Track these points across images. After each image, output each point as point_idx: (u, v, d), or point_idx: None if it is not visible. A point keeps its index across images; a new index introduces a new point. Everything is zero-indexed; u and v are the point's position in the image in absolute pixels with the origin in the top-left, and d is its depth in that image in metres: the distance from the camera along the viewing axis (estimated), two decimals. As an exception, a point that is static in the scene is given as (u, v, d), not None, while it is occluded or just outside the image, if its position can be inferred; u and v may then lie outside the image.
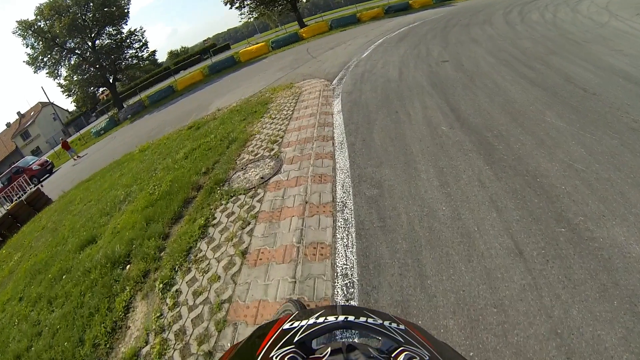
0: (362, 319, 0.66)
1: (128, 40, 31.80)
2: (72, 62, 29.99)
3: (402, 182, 3.76)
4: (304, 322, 0.67)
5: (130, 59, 31.93)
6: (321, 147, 5.07)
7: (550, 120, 4.20)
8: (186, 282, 3.31)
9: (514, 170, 3.47)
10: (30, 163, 21.61)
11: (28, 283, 5.05)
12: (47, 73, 29.40)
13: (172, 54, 73.53)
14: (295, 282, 2.76)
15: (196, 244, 3.87)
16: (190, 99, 18.72)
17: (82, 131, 33.02)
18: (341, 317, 0.66)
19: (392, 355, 0.53)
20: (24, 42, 28.42)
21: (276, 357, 0.53)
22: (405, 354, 0.52)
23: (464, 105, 5.40)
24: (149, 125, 16.73)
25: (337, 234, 3.20)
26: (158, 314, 3.04)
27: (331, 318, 0.66)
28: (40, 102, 46.67)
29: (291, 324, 0.68)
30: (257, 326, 1.38)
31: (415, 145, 4.47)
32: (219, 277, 3.18)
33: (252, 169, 5.13)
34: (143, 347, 2.79)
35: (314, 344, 0.61)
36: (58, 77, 29.58)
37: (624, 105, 4.13)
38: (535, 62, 7.09)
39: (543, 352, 1.88)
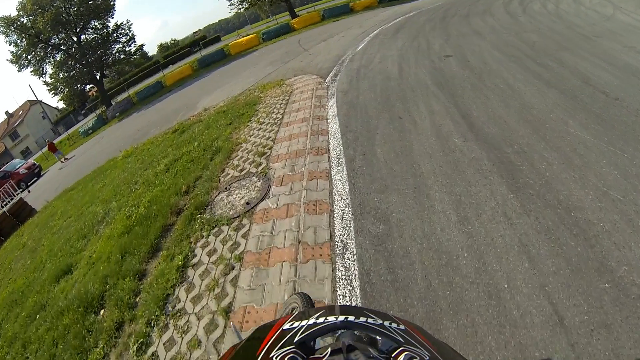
0: (362, 319, 0.65)
1: (114, 35, 30.28)
2: (58, 59, 28.60)
3: (413, 215, 3.09)
4: (304, 322, 0.66)
5: (117, 54, 30.50)
6: (315, 162, 4.38)
7: (574, 132, 3.61)
8: (163, 344, 2.72)
9: (543, 200, 2.87)
10: (18, 167, 20.63)
11: (5, 316, 4.69)
12: (31, 71, 28.03)
13: (162, 47, 71.48)
14: None
15: (174, 290, 3.23)
16: (179, 95, 17.83)
17: (70, 131, 31.76)
18: (341, 317, 0.65)
19: (392, 355, 0.53)
20: (7, 39, 26.97)
21: (276, 357, 0.53)
22: (405, 354, 0.52)
23: (476, 111, 4.71)
24: (136, 125, 15.85)
25: (338, 289, 2.54)
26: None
27: (331, 318, 0.66)
28: (28, 101, 45.04)
29: (291, 324, 0.67)
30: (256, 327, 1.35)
31: (425, 163, 3.79)
32: (200, 341, 2.56)
33: (237, 190, 4.43)
34: None
35: (314, 344, 0.61)
36: (43, 75, 28.22)
37: (650, 114, 3.57)
38: (547, 58, 6.44)
39: None
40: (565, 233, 2.51)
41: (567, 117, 3.91)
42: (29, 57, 27.62)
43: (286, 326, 0.67)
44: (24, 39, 27.11)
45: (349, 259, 2.78)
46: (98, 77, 29.64)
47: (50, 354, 3.25)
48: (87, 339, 3.18)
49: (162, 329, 2.87)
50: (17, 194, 18.50)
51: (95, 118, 24.95)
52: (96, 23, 29.67)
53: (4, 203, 15.81)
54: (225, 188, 4.60)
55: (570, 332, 1.90)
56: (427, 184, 3.47)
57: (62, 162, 20.11)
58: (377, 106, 5.68)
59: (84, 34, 29.42)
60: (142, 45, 33.97)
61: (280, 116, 6.56)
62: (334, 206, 3.47)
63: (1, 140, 42.41)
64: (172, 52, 48.90)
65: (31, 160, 23.24)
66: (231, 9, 31.72)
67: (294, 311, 1.39)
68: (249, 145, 5.77)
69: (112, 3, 29.85)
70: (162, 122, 12.23)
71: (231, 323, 2.58)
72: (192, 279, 3.30)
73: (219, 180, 4.98)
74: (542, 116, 4.11)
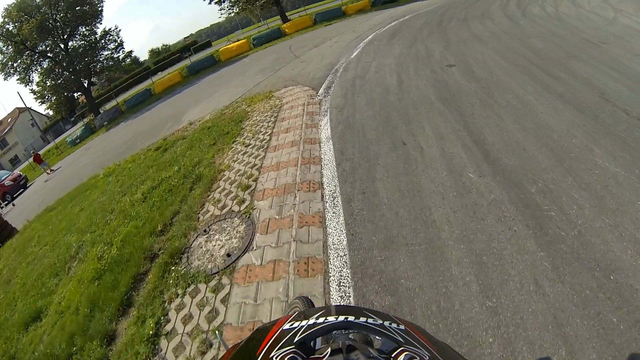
0: (362, 319, 0.65)
1: (102, 41, 29.31)
2: (45, 67, 27.60)
3: (426, 283, 2.46)
4: (304, 323, 0.66)
5: (105, 61, 29.50)
6: (307, 202, 3.73)
7: (601, 162, 3.10)
8: None
9: (577, 258, 2.31)
10: (3, 178, 19.72)
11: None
12: (17, 79, 27.01)
13: (154, 52, 70.59)
14: None
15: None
16: (166, 105, 17.10)
17: (57, 140, 30.72)
18: (341, 318, 0.65)
19: (392, 355, 0.53)
20: (-8, 47, 25.96)
21: (276, 357, 0.53)
22: (405, 354, 0.52)
23: (490, 135, 4.11)
24: (122, 136, 15.11)
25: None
26: None
27: (331, 318, 0.65)
28: (17, 108, 43.72)
29: (291, 324, 0.67)
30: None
31: (437, 207, 3.16)
32: None
33: (217, 235, 3.77)
34: None
35: (314, 344, 0.60)
36: (30, 84, 27.22)
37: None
38: (556, 68, 5.90)
39: None
40: (607, 306, 2.00)
41: (591, 142, 3.40)
42: (15, 65, 26.62)
43: (286, 326, 0.67)
44: (10, 46, 26.11)
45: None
46: (86, 85, 28.67)
47: None
48: None
49: None
50: (2, 207, 17.66)
51: (83, 127, 24.01)
52: (84, 29, 28.70)
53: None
54: (205, 230, 3.94)
55: None
56: (440, 238, 2.84)
57: (47, 173, 19.29)
58: (376, 127, 5.04)
59: (71, 41, 28.44)
60: (130, 52, 33.04)
61: (268, 137, 5.90)
62: (330, 266, 2.83)
63: (-11, 149, 41.18)
64: (163, 57, 48.08)
65: (17, 172, 22.33)
66: (221, 14, 30.98)
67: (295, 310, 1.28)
68: (232, 173, 5.10)
69: (99, 9, 28.89)
70: (148, 134, 11.54)
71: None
72: (165, 353, 2.67)
73: (198, 218, 4.31)
74: (563, 142, 3.55)
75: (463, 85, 5.77)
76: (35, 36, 25.47)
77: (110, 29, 30.13)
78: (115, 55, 29.94)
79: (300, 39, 19.22)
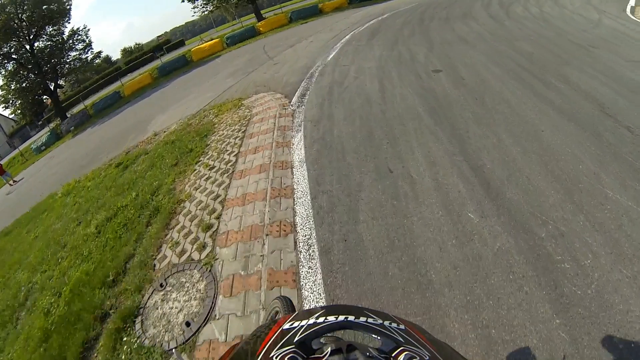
0: (362, 319, 0.65)
1: (70, 41, 27.28)
2: (9, 69, 25.50)
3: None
4: (304, 322, 0.66)
5: (72, 62, 27.49)
6: (277, 252, 2.98)
7: (612, 195, 2.75)
8: None
9: (596, 324, 1.92)
10: (-41, 190, 17.96)
11: None
12: (-20, 83, 24.84)
13: (126, 52, 67.63)
14: None
15: None
16: (134, 110, 15.96)
17: (22, 147, 28.56)
18: (341, 317, 0.65)
19: (392, 355, 0.53)
20: (-47, 49, 23.67)
21: (276, 357, 0.53)
22: (405, 354, 0.52)
23: (490, 160, 3.50)
24: (86, 145, 13.90)
25: None
26: None
27: (331, 318, 0.65)
28: (-19, 111, 40.70)
29: (291, 324, 0.66)
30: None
31: (434, 263, 2.50)
32: None
33: (175, 292, 2.99)
34: None
35: (314, 344, 0.60)
36: (-7, 88, 25.07)
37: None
38: (550, 75, 5.45)
39: None
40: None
41: (599, 169, 3.06)
42: (-23, 67, 24.44)
43: (286, 326, 0.66)
44: (-27, 49, 23.93)
45: None
46: (52, 88, 26.68)
47: None
48: None
49: None
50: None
51: (49, 133, 22.26)
52: (50, 29, 26.58)
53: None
54: (161, 284, 3.15)
55: None
56: (440, 306, 2.19)
57: (10, 185, 17.67)
58: (357, 148, 4.33)
59: (38, 41, 26.33)
60: (99, 52, 31.07)
61: (234, 159, 5.10)
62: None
63: (-49, 156, 38.05)
64: (135, 57, 46.12)
65: (-24, 183, 20.47)
66: (195, 12, 29.46)
67: (277, 315, 1.24)
68: (193, 205, 4.29)
69: (68, 7, 26.86)
70: (111, 145, 10.50)
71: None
72: None
73: (154, 266, 3.51)
74: (570, 168, 3.13)
75: (453, 95, 5.14)
76: None
77: (78, 29, 28.00)
78: (84, 56, 27.94)
79: (275, 38, 18.32)
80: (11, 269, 6.12)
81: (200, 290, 2.91)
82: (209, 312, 2.65)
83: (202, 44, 24.86)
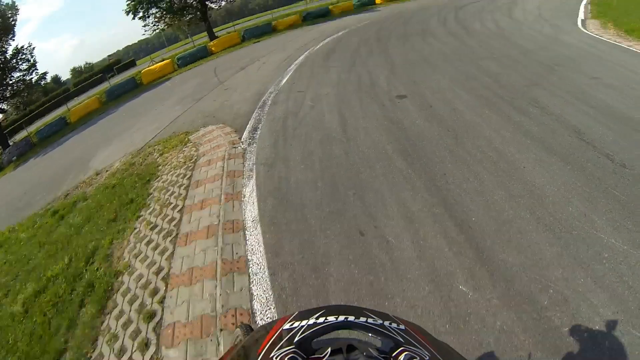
0: (362, 319, 0.69)
1: (14, 61, 25.24)
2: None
3: None
4: (304, 323, 0.70)
5: (15, 84, 25.33)
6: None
7: (607, 240, 2.80)
8: None
9: None
10: None
11: None
12: None
13: (76, 72, 68.64)
14: None
15: None
16: (79, 139, 15.27)
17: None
18: (341, 317, 0.69)
19: (392, 355, 0.57)
20: None
21: (276, 358, 0.57)
22: (405, 354, 0.56)
23: (475, 211, 3.35)
24: (26, 181, 12.60)
25: None
26: None
27: (331, 318, 0.69)
28: None
29: (291, 324, 0.71)
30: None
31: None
32: None
33: None
34: None
35: (314, 344, 0.64)
36: None
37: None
38: (522, 100, 5.71)
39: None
40: None
41: (589, 209, 3.15)
42: None
43: (286, 326, 0.71)
44: None
45: None
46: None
47: None
48: None
49: None
50: None
51: (-12, 164, 20.05)
52: (-9, 48, 24.38)
53: None
54: None
55: None
56: None
57: None
58: (319, 202, 3.99)
59: (-22, 62, 23.95)
60: (45, 73, 29.20)
61: (178, 215, 4.61)
62: None
63: None
64: (85, 78, 46.59)
65: None
66: (145, 30, 29.28)
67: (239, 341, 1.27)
68: (133, 281, 3.72)
69: (12, 23, 24.96)
70: (52, 184, 9.62)
71: None
72: None
73: None
74: (560, 213, 3.16)
75: (424, 128, 5.08)
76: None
77: (22, 47, 26.01)
78: (28, 78, 25.96)
79: (227, 59, 18.44)
80: None
81: None
82: None
83: (153, 65, 24.65)
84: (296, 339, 0.64)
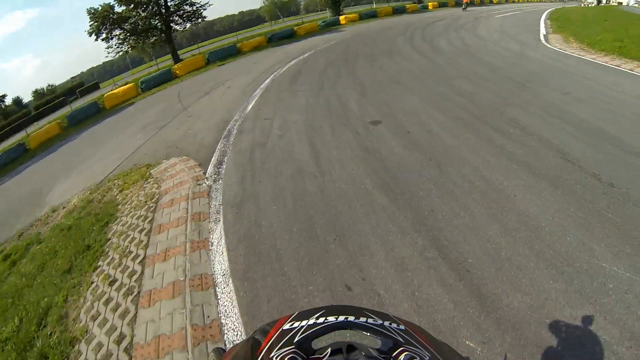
0: (362, 319, 0.71)
1: None
2: None
3: None
4: (304, 323, 0.71)
5: None
6: None
7: (610, 268, 2.81)
8: None
9: None
10: None
11: None
12: None
13: (38, 94, 67.73)
14: None
15: None
16: (37, 168, 14.44)
17: None
18: (341, 318, 0.71)
19: (392, 355, 0.60)
20: None
21: (276, 358, 0.59)
22: (405, 354, 0.58)
23: (470, 251, 3.18)
24: None
25: None
26: None
27: (331, 318, 0.71)
28: None
29: (291, 325, 0.72)
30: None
31: None
32: None
33: None
34: None
35: (314, 345, 0.66)
36: None
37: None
38: (500, 120, 5.78)
39: None
40: None
41: (587, 237, 3.15)
42: None
43: (286, 326, 0.72)
44: None
45: None
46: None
47: None
48: None
49: None
50: None
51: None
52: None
53: None
54: None
55: None
56: None
57: None
58: (297, 250, 3.66)
59: None
60: (3, 96, 27.84)
61: (139, 268, 4.13)
62: None
63: None
64: (47, 101, 46.66)
65: None
66: (109, 53, 29.52)
67: None
68: (91, 352, 3.18)
69: None
70: (6, 220, 8.69)
71: None
72: None
73: None
74: (560, 245, 3.11)
75: (403, 158, 4.94)
76: None
77: None
78: None
79: (192, 83, 18.23)
80: None
81: None
82: None
83: (116, 88, 24.21)
84: (296, 339, 0.66)
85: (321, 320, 0.71)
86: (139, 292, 3.76)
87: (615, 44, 10.47)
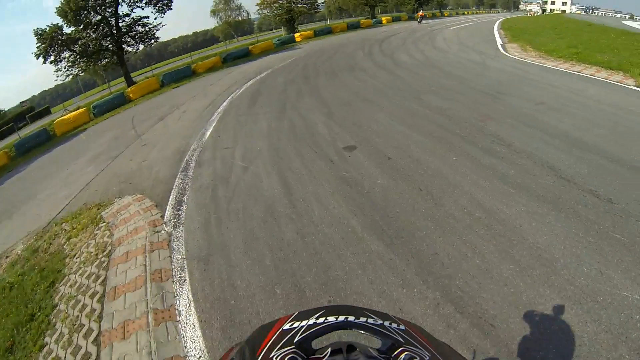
0: (362, 319, 0.73)
1: None
2: None
3: None
4: (304, 323, 0.73)
5: None
6: None
7: (632, 297, 2.70)
8: None
9: None
10: None
11: None
12: None
13: None
14: None
15: None
16: None
17: None
18: (341, 318, 0.72)
19: (392, 355, 0.61)
20: None
21: (276, 358, 0.61)
22: (406, 354, 0.60)
23: (489, 299, 2.88)
24: None
25: None
26: None
27: (331, 318, 0.73)
28: None
29: (291, 325, 0.74)
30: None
31: None
32: None
33: None
34: None
35: (314, 345, 0.68)
36: None
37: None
38: (484, 138, 5.68)
39: None
40: None
41: (602, 265, 3.03)
42: None
43: (286, 326, 0.74)
44: None
45: None
46: None
47: None
48: None
49: None
50: None
51: None
52: None
53: None
54: None
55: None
56: None
57: None
58: (280, 314, 3.11)
59: None
60: None
61: (94, 351, 3.32)
62: None
63: None
64: None
65: None
66: (58, 76, 28.00)
67: None
68: None
69: None
70: None
71: None
72: None
73: None
74: (578, 278, 2.93)
75: (390, 190, 4.54)
76: None
77: None
78: None
79: (146, 107, 17.53)
80: None
81: None
82: None
83: (66, 114, 23.15)
84: (296, 339, 0.67)
85: (321, 320, 0.72)
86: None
87: (571, 51, 11.00)
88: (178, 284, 3.91)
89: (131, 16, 28.49)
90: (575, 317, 2.59)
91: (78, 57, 28.07)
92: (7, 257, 6.64)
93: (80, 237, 5.93)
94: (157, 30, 30.28)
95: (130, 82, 28.79)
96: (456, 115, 6.63)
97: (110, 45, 28.46)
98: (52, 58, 27.35)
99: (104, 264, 4.79)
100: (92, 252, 5.25)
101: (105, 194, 7.29)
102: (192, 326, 3.29)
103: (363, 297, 3.05)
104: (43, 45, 26.10)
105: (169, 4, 29.20)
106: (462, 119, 6.44)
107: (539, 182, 4.28)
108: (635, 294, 2.68)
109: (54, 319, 4.10)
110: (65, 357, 3.45)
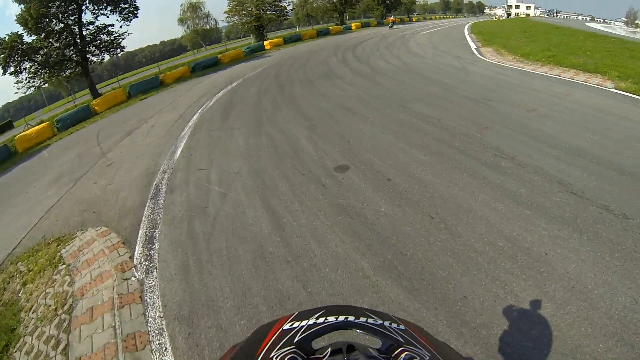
0: (362, 319, 0.73)
1: None
2: None
3: None
4: (304, 323, 0.73)
5: None
6: None
7: None
8: None
9: None
10: None
11: None
12: None
13: None
14: None
15: None
16: None
17: None
18: (341, 318, 0.72)
19: (392, 355, 0.61)
20: None
21: (276, 358, 0.60)
22: (406, 354, 0.59)
23: (537, 351, 2.59)
24: None
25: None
26: None
27: (331, 318, 0.72)
28: None
29: (291, 325, 0.74)
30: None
31: None
32: None
33: None
34: None
35: (314, 345, 0.67)
36: None
37: None
38: (485, 152, 5.48)
39: None
40: None
41: (635, 292, 2.87)
42: None
43: (286, 326, 0.74)
44: None
45: None
46: None
47: None
48: None
49: None
50: None
51: None
52: None
53: None
54: None
55: None
56: None
57: None
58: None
59: None
60: None
61: None
62: None
63: None
64: None
65: None
66: (19, 88, 26.72)
67: None
68: None
69: None
70: None
71: None
72: None
73: None
74: (615, 310, 2.76)
75: (398, 220, 4.13)
76: None
77: None
78: None
79: (112, 121, 16.82)
80: None
81: None
82: None
83: (28, 129, 22.09)
84: (296, 339, 0.66)
85: (321, 320, 0.72)
86: None
87: (546, 54, 11.21)
88: (158, 355, 3.30)
89: (95, 24, 27.68)
90: (623, 356, 2.41)
91: (40, 67, 27.01)
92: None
93: (37, 282, 5.16)
94: (123, 39, 29.54)
95: (95, 94, 27.91)
96: (450, 126, 6.40)
97: (74, 55, 27.55)
98: (12, 69, 26.17)
99: (65, 324, 4.08)
100: (50, 306, 4.51)
101: (66, 225, 6.53)
102: None
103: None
104: (2, 55, 24.92)
105: (135, 12, 28.62)
106: (457, 129, 6.22)
107: (553, 200, 4.07)
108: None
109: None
110: None
